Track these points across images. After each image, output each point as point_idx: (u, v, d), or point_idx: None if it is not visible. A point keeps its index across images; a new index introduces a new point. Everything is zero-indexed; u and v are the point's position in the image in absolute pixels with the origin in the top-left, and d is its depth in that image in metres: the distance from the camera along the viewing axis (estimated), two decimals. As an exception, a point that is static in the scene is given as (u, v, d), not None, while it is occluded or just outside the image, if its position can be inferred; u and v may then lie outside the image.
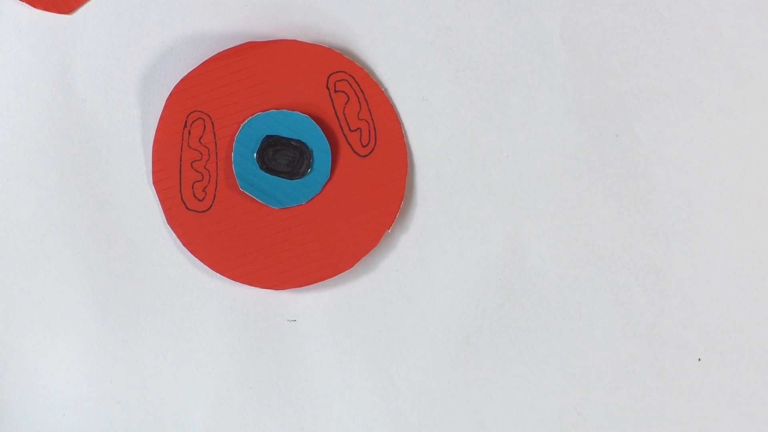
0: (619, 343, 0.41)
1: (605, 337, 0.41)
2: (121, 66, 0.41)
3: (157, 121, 0.41)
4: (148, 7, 0.41)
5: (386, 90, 0.41)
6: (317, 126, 0.40)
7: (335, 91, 0.41)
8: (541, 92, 0.41)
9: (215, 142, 0.40)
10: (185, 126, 0.40)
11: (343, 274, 0.41)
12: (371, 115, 0.41)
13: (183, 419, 0.42)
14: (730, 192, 0.41)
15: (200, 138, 0.40)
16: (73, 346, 0.41)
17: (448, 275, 0.41)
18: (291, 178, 0.40)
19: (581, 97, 0.41)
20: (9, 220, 0.41)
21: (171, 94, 0.40)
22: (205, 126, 0.40)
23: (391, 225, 0.41)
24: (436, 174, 0.41)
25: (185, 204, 0.40)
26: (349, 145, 0.41)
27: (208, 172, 0.40)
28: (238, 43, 0.41)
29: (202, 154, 0.40)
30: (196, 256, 0.41)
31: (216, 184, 0.40)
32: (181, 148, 0.40)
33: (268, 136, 0.40)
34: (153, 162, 0.40)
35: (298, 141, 0.40)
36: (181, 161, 0.40)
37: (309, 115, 0.40)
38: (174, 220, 0.41)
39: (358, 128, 0.41)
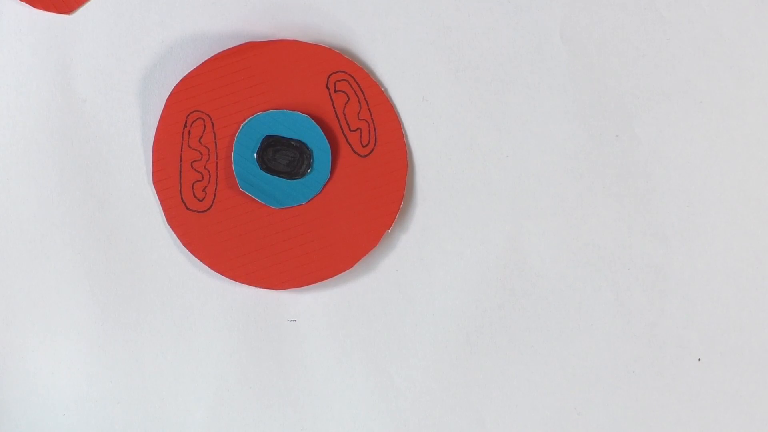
0: (619, 343, 0.41)
1: (605, 337, 0.41)
2: (121, 66, 0.41)
3: (157, 121, 0.41)
4: (148, 7, 0.41)
5: (386, 90, 0.41)
6: (317, 126, 0.40)
7: (335, 91, 0.41)
8: (541, 92, 0.41)
9: (215, 142, 0.40)
10: (185, 126, 0.40)
11: (343, 274, 0.41)
12: (371, 115, 0.41)
13: (183, 419, 0.42)
14: (730, 192, 0.41)
15: (200, 138, 0.40)
16: (73, 346, 0.41)
17: (448, 275, 0.41)
18: (291, 178, 0.40)
19: (581, 97, 0.41)
20: (9, 220, 0.41)
21: (171, 94, 0.40)
22: (205, 126, 0.40)
23: (391, 225, 0.41)
24: (436, 174, 0.41)
25: (185, 204, 0.40)
26: (349, 145, 0.41)
27: (208, 172, 0.40)
28: (238, 43, 0.41)
29: (202, 154, 0.40)
30: (196, 256, 0.41)
31: (216, 184, 0.40)
32: (181, 148, 0.40)
33: (268, 136, 0.40)
34: (153, 162, 0.40)
35: (298, 141, 0.40)
36: (181, 161, 0.40)
37: (309, 115, 0.40)
38: (174, 220, 0.41)
39: (358, 128, 0.41)
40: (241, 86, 0.40)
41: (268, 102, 0.40)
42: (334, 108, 0.41)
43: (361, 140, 0.41)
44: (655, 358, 0.41)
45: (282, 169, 0.40)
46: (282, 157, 0.40)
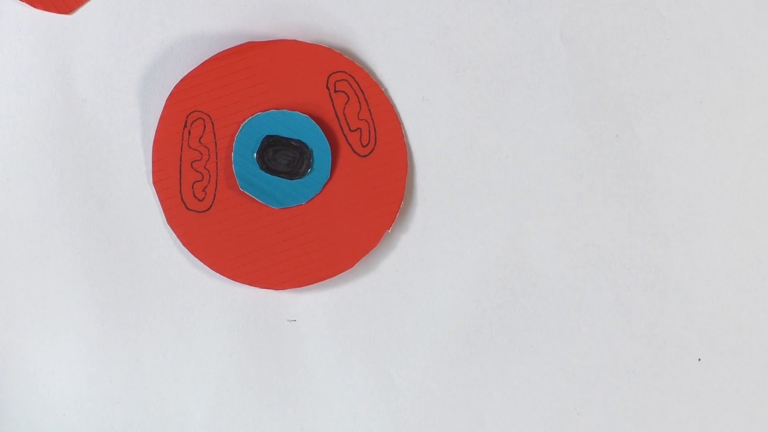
0: (619, 343, 0.41)
1: (605, 337, 0.41)
2: (121, 66, 0.41)
3: (157, 121, 0.41)
4: (148, 7, 0.41)
5: (386, 90, 0.41)
6: (317, 126, 0.40)
7: (335, 91, 0.41)
8: (541, 92, 0.41)
9: (215, 142, 0.40)
10: (185, 126, 0.40)
11: (343, 274, 0.41)
12: (371, 115, 0.41)
13: (183, 419, 0.42)
14: (730, 192, 0.41)
15: (200, 138, 0.40)
16: (73, 346, 0.41)
17: (448, 275, 0.41)
18: (291, 178, 0.40)
19: (581, 97, 0.41)
20: (9, 220, 0.41)
21: (171, 94, 0.40)
22: (205, 126, 0.40)
23: (391, 225, 0.41)
24: (436, 174, 0.41)
25: (185, 204, 0.40)
26: (349, 145, 0.41)
27: (208, 172, 0.40)
28: (238, 43, 0.41)
29: (202, 154, 0.40)
30: (196, 256, 0.41)
31: (216, 184, 0.40)
32: (181, 148, 0.40)
33: (268, 136, 0.40)
34: (153, 162, 0.40)
35: (298, 141, 0.40)
36: (181, 161, 0.40)
37: (309, 115, 0.40)
38: (174, 220, 0.41)
39: (358, 128, 0.41)
40: (241, 86, 0.40)
41: (268, 102, 0.40)
42: (334, 108, 0.41)
43: (361, 140, 0.41)
44: (655, 358, 0.41)
45: (282, 169, 0.40)
46: (282, 157, 0.40)
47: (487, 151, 0.41)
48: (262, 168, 0.40)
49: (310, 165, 0.40)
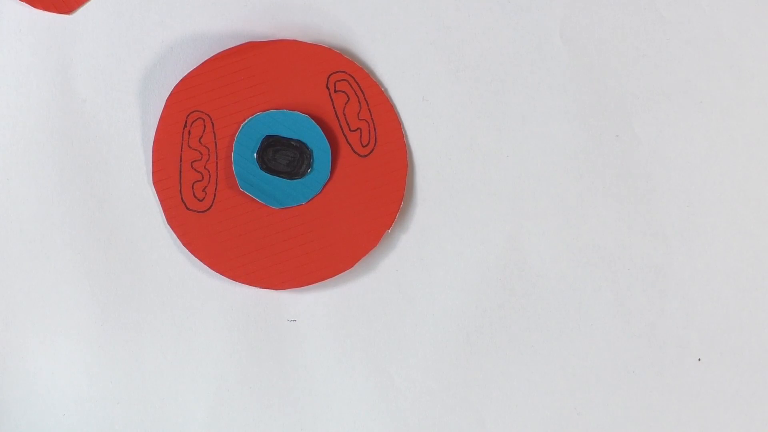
0: (619, 343, 0.41)
1: (605, 337, 0.41)
2: (121, 66, 0.41)
3: (157, 121, 0.41)
4: (148, 7, 0.41)
5: (386, 90, 0.41)
6: (317, 126, 0.40)
7: (335, 91, 0.41)
8: (541, 92, 0.41)
9: (215, 142, 0.40)
10: (185, 126, 0.40)
11: (343, 274, 0.41)
12: (371, 115, 0.41)
13: (183, 419, 0.42)
14: (730, 192, 0.41)
15: (200, 138, 0.40)
16: (73, 346, 0.41)
17: (448, 275, 0.41)
18: (291, 178, 0.40)
19: (581, 97, 0.41)
20: (9, 220, 0.41)
21: (171, 94, 0.40)
22: (205, 126, 0.40)
23: (391, 225, 0.41)
24: (436, 174, 0.41)
25: (185, 204, 0.40)
26: (349, 145, 0.41)
27: (208, 172, 0.40)
28: (238, 43, 0.41)
29: (202, 154, 0.40)
30: (196, 256, 0.41)
31: (216, 184, 0.40)
32: (181, 148, 0.40)
33: (268, 136, 0.40)
34: (153, 162, 0.40)
35: (298, 141, 0.40)
36: (181, 161, 0.40)
37: (309, 115, 0.40)
38: (174, 220, 0.41)
39: (358, 128, 0.41)
40: (241, 86, 0.40)
41: (268, 102, 0.40)
42: (334, 108, 0.41)
43: (361, 140, 0.41)
44: (655, 358, 0.41)
45: (282, 169, 0.40)
46: (282, 157, 0.40)
47: (487, 151, 0.41)
48: (262, 168, 0.40)
49: (310, 165, 0.40)
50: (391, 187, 0.41)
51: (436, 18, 0.41)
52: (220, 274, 0.41)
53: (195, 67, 0.41)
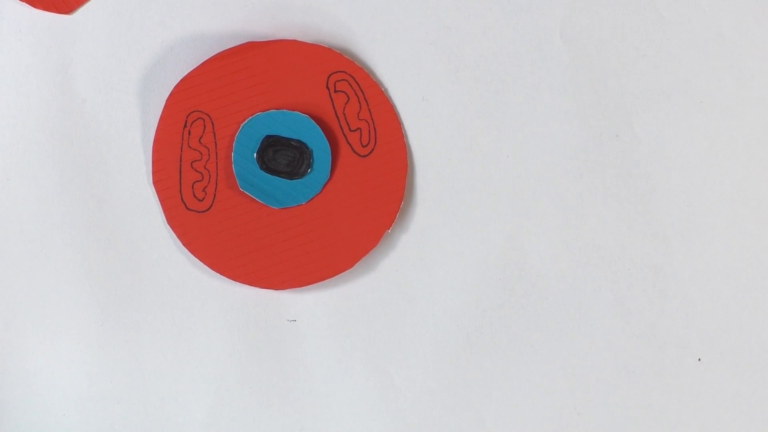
0: (619, 343, 0.41)
1: (605, 337, 0.41)
2: (121, 66, 0.41)
3: (157, 121, 0.41)
4: (148, 7, 0.41)
5: (386, 90, 0.41)
6: (317, 126, 0.40)
7: (335, 91, 0.41)
8: (541, 92, 0.41)
9: (215, 142, 0.40)
10: (185, 126, 0.40)
11: (343, 274, 0.41)
12: (371, 115, 0.41)
13: (183, 419, 0.42)
14: (730, 192, 0.41)
15: (200, 138, 0.40)
16: (73, 346, 0.41)
17: (448, 275, 0.41)
18: (291, 178, 0.40)
19: (581, 97, 0.41)
20: (9, 220, 0.41)
21: (171, 94, 0.40)
22: (205, 126, 0.40)
23: (391, 225, 0.41)
24: (436, 174, 0.41)
25: (185, 204, 0.40)
26: (349, 145, 0.41)
27: (208, 172, 0.40)
28: (238, 43, 0.41)
29: (202, 154, 0.40)
30: (196, 256, 0.41)
31: (216, 184, 0.40)
32: (181, 148, 0.40)
33: (268, 136, 0.40)
34: (153, 162, 0.40)
35: (298, 141, 0.40)
36: (181, 161, 0.40)
37: (309, 115, 0.40)
38: (174, 220, 0.41)
39: (358, 128, 0.41)
40: (241, 86, 0.40)
41: (268, 102, 0.40)
42: (334, 108, 0.41)
43: (361, 140, 0.41)
44: (655, 358, 0.41)
45: (282, 169, 0.40)
46: (282, 157, 0.40)
47: (487, 151, 0.41)
48: (262, 168, 0.40)
49: (310, 165, 0.40)
50: (391, 187, 0.41)
51: (436, 18, 0.41)
52: (220, 274, 0.41)
53: (195, 67, 0.41)
